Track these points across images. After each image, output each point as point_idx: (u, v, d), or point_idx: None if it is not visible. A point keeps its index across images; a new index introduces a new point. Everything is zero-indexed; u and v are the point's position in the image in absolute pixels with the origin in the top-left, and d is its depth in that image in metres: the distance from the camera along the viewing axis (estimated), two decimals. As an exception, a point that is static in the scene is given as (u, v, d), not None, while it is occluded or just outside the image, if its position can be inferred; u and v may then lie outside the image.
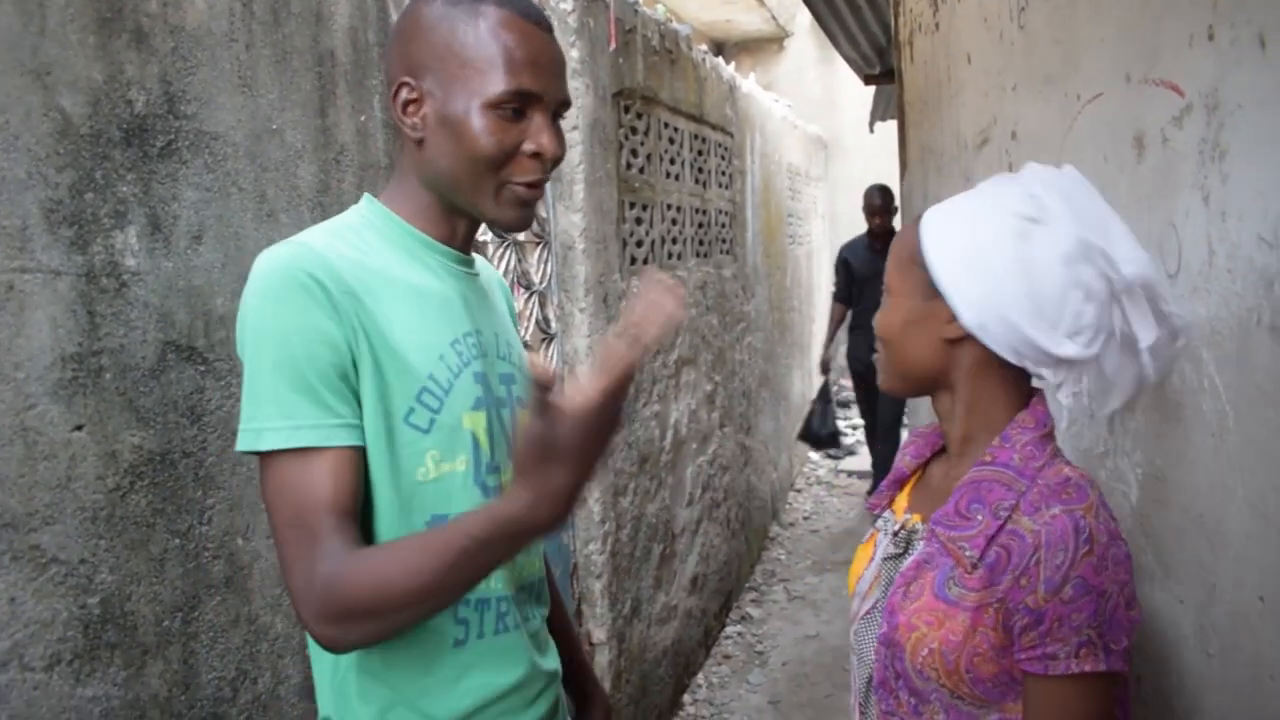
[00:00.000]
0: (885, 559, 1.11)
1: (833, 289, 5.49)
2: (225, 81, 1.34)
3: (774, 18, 8.31)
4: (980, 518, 0.97)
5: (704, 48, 3.81)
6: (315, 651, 1.03)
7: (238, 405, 1.36)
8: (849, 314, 5.37)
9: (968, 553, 0.96)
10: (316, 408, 0.92)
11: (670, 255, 3.30)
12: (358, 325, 0.95)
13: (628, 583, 2.82)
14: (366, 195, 1.09)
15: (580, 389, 0.82)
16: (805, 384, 6.38)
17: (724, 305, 3.99)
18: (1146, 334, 1.00)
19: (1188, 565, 1.12)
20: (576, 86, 2.52)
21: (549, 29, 1.05)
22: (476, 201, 1.04)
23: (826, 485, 6.26)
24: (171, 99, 1.25)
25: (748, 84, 4.63)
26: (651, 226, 3.10)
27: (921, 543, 1.05)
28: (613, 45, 2.72)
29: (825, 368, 5.45)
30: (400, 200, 1.07)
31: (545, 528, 0.86)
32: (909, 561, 1.06)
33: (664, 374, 3.18)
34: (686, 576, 3.46)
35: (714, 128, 3.87)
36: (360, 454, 0.95)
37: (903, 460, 1.18)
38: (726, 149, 4.09)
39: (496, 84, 0.99)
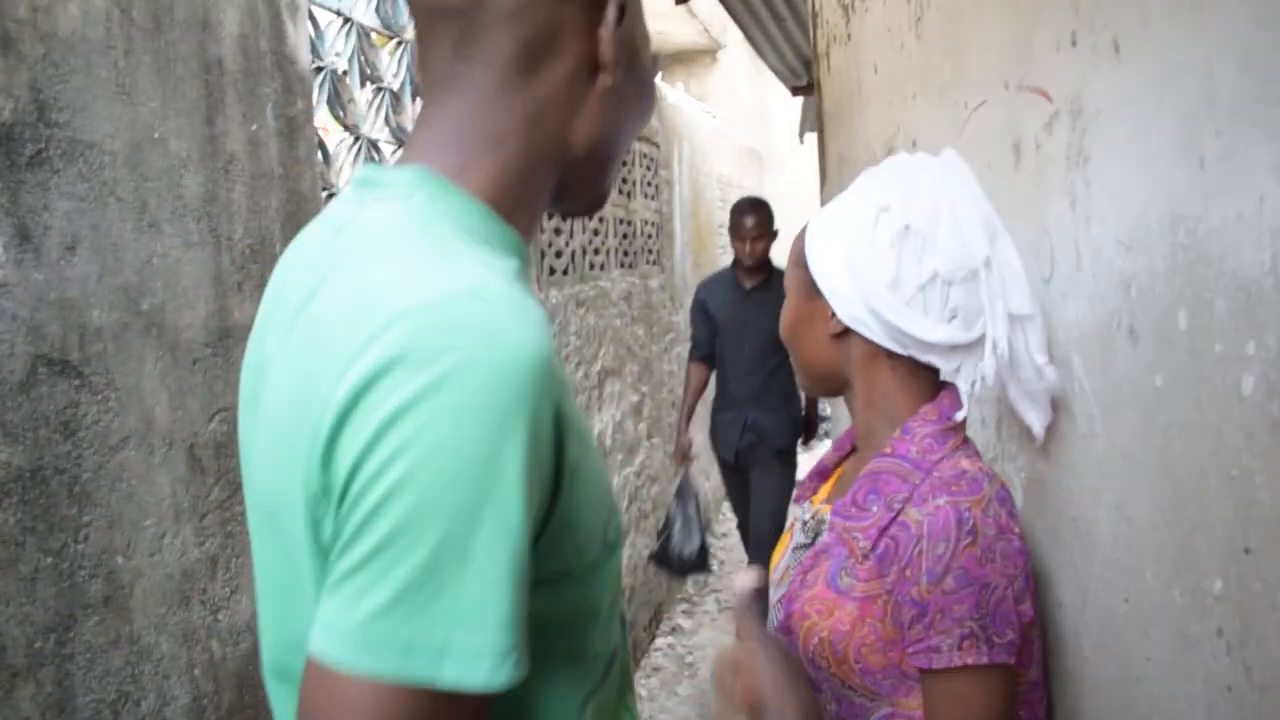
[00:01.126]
0: (795, 548, 1.12)
1: (690, 343, 3.78)
2: (101, 89, 1.30)
3: (707, 30, 8.37)
4: (875, 509, 0.98)
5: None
6: None
7: (115, 420, 1.33)
8: (711, 379, 3.79)
9: (861, 543, 0.97)
10: (518, 619, 0.55)
11: (592, 266, 3.30)
12: (559, 450, 0.60)
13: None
14: (426, 172, 0.66)
15: None
16: (739, 394, 6.42)
17: (651, 316, 3.99)
18: (997, 326, 1.01)
19: (1064, 569, 1.13)
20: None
21: None
22: (608, 178, 0.76)
23: (761, 494, 6.31)
24: (42, 107, 1.21)
25: (675, 95, 4.66)
26: (572, 237, 3.10)
27: (826, 533, 1.06)
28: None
29: (683, 454, 3.67)
30: (493, 185, 0.67)
31: None
32: (809, 551, 1.07)
33: (586, 385, 3.17)
34: (614, 588, 3.45)
35: (639, 138, 3.88)
36: None
37: (828, 454, 1.20)
38: (652, 160, 4.10)
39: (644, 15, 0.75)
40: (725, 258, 5.97)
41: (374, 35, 2.13)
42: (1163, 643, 0.89)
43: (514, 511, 0.54)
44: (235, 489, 1.55)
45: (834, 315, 1.05)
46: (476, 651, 0.52)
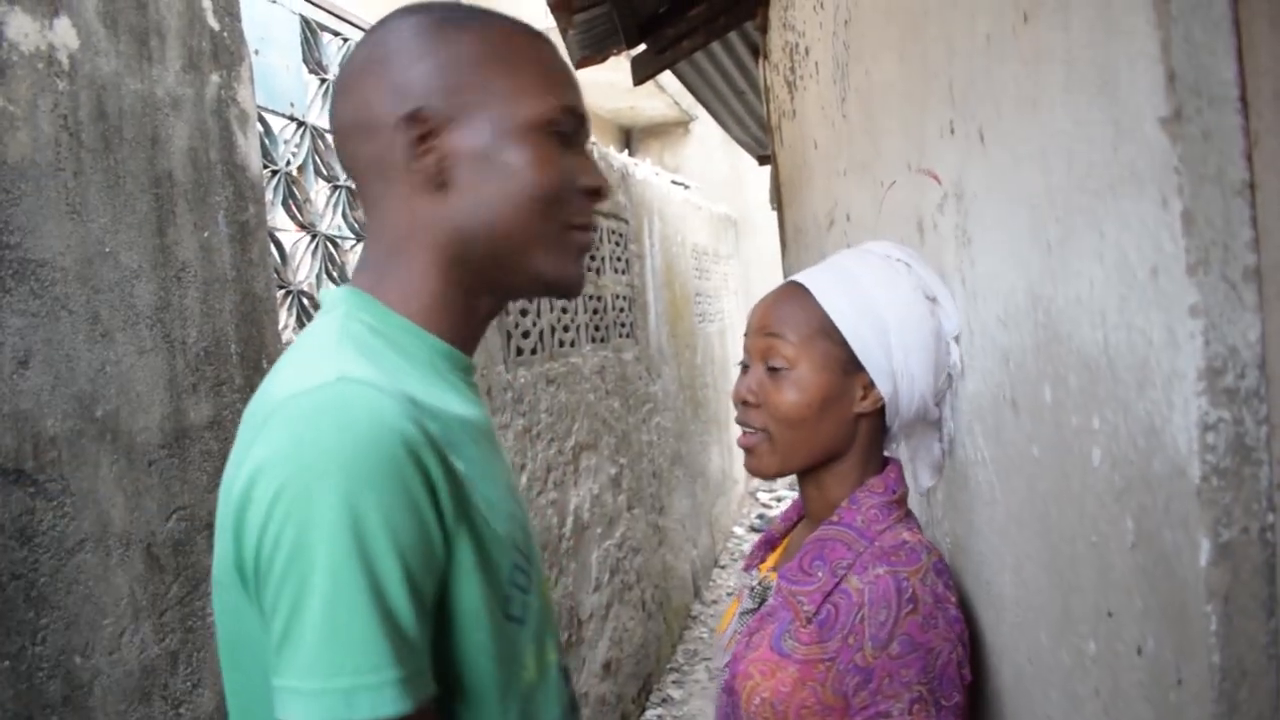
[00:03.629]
0: (741, 613, 1.15)
1: None
2: (52, 209, 1.37)
3: (677, 103, 8.58)
4: (820, 574, 1.03)
5: (593, 140, 3.93)
6: None
7: (71, 524, 1.37)
8: None
9: (805, 607, 1.01)
10: (421, 649, 0.65)
11: (562, 343, 3.36)
12: (455, 502, 0.69)
13: (528, 673, 2.80)
14: (352, 291, 0.80)
15: None
16: (725, 459, 6.45)
17: (626, 388, 4.05)
18: (947, 404, 1.16)
19: (983, 632, 1.17)
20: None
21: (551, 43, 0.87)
22: (530, 259, 0.80)
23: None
24: (-9, 229, 1.27)
25: (643, 170, 4.78)
26: (540, 316, 3.16)
27: (772, 598, 1.10)
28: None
29: None
30: (401, 292, 0.79)
31: None
32: (757, 614, 1.11)
33: (560, 461, 3.21)
34: (597, 662, 3.44)
35: (606, 215, 3.98)
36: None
37: (774, 524, 1.24)
38: (621, 235, 4.20)
39: (541, 100, 0.80)
40: (704, 326, 6.05)
41: (328, 136, 2.21)
42: (1058, 702, 0.93)
43: (386, 567, 0.63)
44: (195, 585, 1.58)
45: (872, 393, 1.07)
46: (376, 685, 0.62)
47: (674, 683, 4.27)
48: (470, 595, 0.70)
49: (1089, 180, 0.75)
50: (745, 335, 1.17)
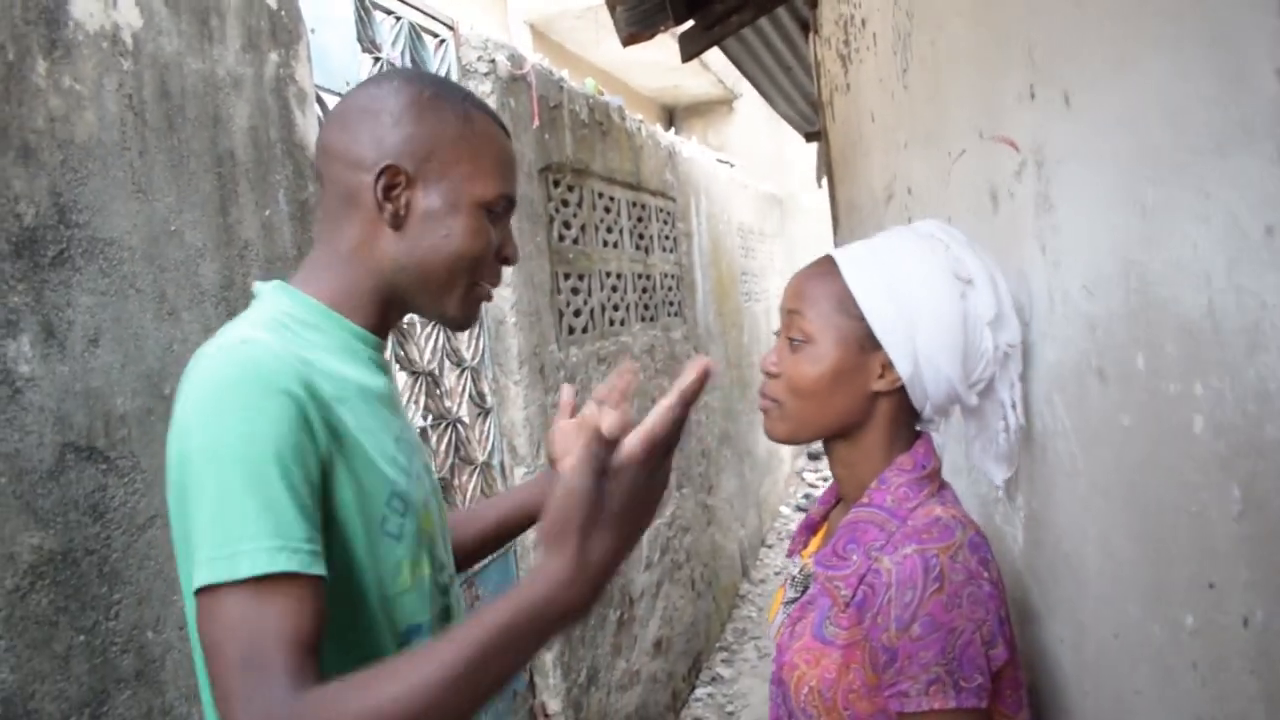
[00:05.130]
0: (786, 603, 1.14)
1: None
2: (119, 189, 1.38)
3: (721, 81, 8.51)
4: (855, 558, 1.01)
5: (639, 116, 3.91)
6: None
7: (141, 500, 1.39)
8: None
9: (842, 592, 1.00)
10: (300, 528, 0.80)
11: (612, 322, 3.35)
12: (330, 434, 0.88)
13: (582, 651, 2.81)
14: (279, 284, 1.01)
15: (627, 445, 0.72)
16: (772, 438, 6.41)
17: (675, 367, 4.04)
18: (1005, 391, 1.10)
19: (1062, 605, 1.14)
20: (501, 164, 2.58)
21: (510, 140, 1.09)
22: (441, 298, 1.01)
23: (799, 538, 6.27)
24: (62, 209, 1.29)
25: (689, 148, 4.74)
26: (590, 295, 3.16)
27: (814, 585, 1.08)
28: (536, 123, 2.80)
29: None
30: (326, 286, 1.00)
31: (584, 608, 0.75)
32: (799, 603, 1.09)
33: (611, 439, 3.20)
34: (649, 640, 3.45)
35: (654, 194, 3.96)
36: (324, 585, 0.82)
37: (813, 508, 1.22)
38: (669, 214, 4.17)
39: (490, 186, 1.01)
40: (750, 305, 6.01)
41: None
42: (1149, 676, 0.90)
43: (261, 455, 0.81)
44: (260, 561, 1.60)
45: (886, 372, 1.05)
46: (255, 550, 0.78)
47: (723, 661, 4.27)
48: (346, 505, 0.90)
49: (1192, 139, 0.72)
50: (780, 306, 1.16)
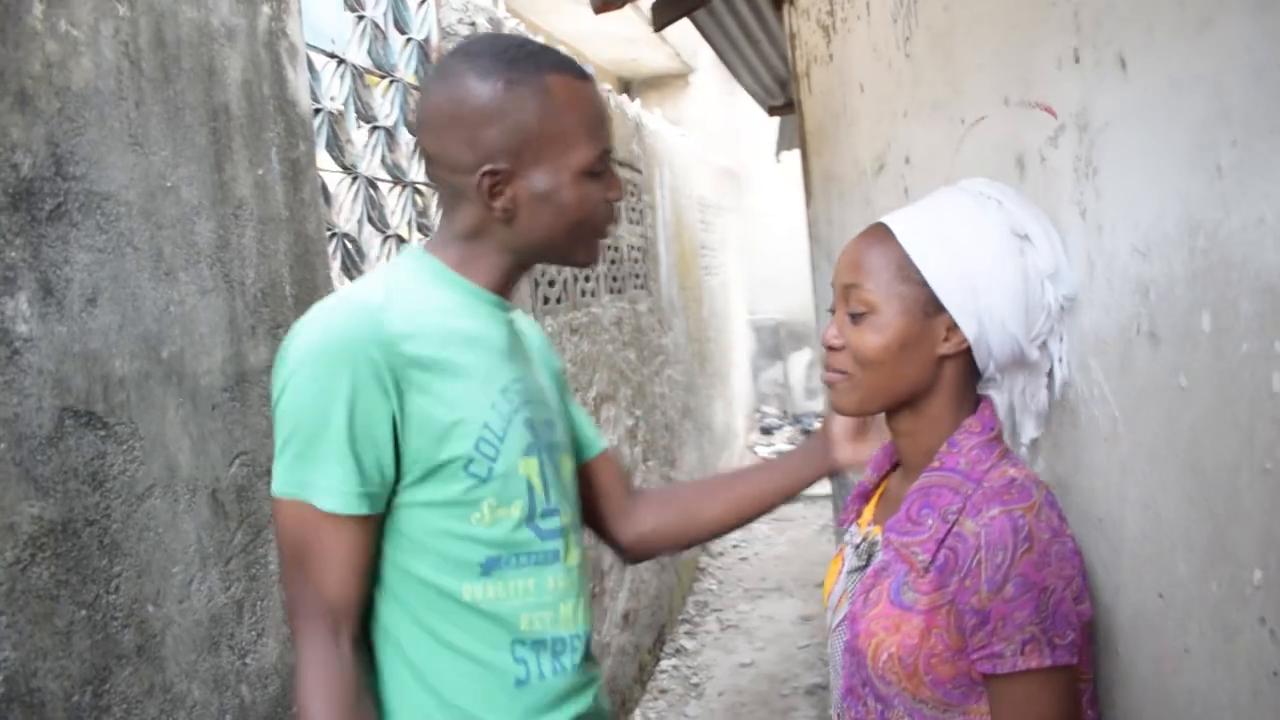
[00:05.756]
0: (849, 572, 1.14)
1: None
2: (115, 140, 1.31)
3: (678, 54, 8.46)
4: (930, 522, 1.00)
5: (608, 86, 3.86)
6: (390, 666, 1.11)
7: (140, 469, 1.33)
8: None
9: (919, 557, 0.99)
10: (352, 478, 1.01)
11: (583, 293, 3.32)
12: (406, 389, 1.02)
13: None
14: (414, 248, 1.16)
15: None
16: (727, 414, 6.45)
17: (641, 339, 4.02)
18: (1055, 345, 1.12)
19: (1093, 569, 1.15)
20: (481, 130, 2.53)
21: (594, 80, 1.14)
22: (570, 254, 1.13)
23: (755, 512, 6.32)
24: (59, 160, 1.22)
25: (655, 121, 4.71)
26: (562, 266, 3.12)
27: (880, 553, 1.08)
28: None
29: None
30: (459, 257, 1.12)
31: None
32: (868, 571, 1.09)
33: (585, 411, 3.18)
34: (618, 613, 3.45)
35: (621, 165, 3.92)
36: (379, 522, 1.06)
37: (865, 476, 1.21)
38: (635, 185, 4.14)
39: (586, 153, 1.07)
40: (708, 279, 6.01)
41: (366, 76, 2.15)
42: (1201, 634, 0.91)
43: (333, 411, 1.00)
44: (258, 532, 1.55)
45: (951, 335, 1.04)
46: (323, 490, 1.01)
47: (686, 633, 4.30)
48: (421, 446, 1.03)
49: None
50: (833, 279, 1.15)
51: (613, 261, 3.72)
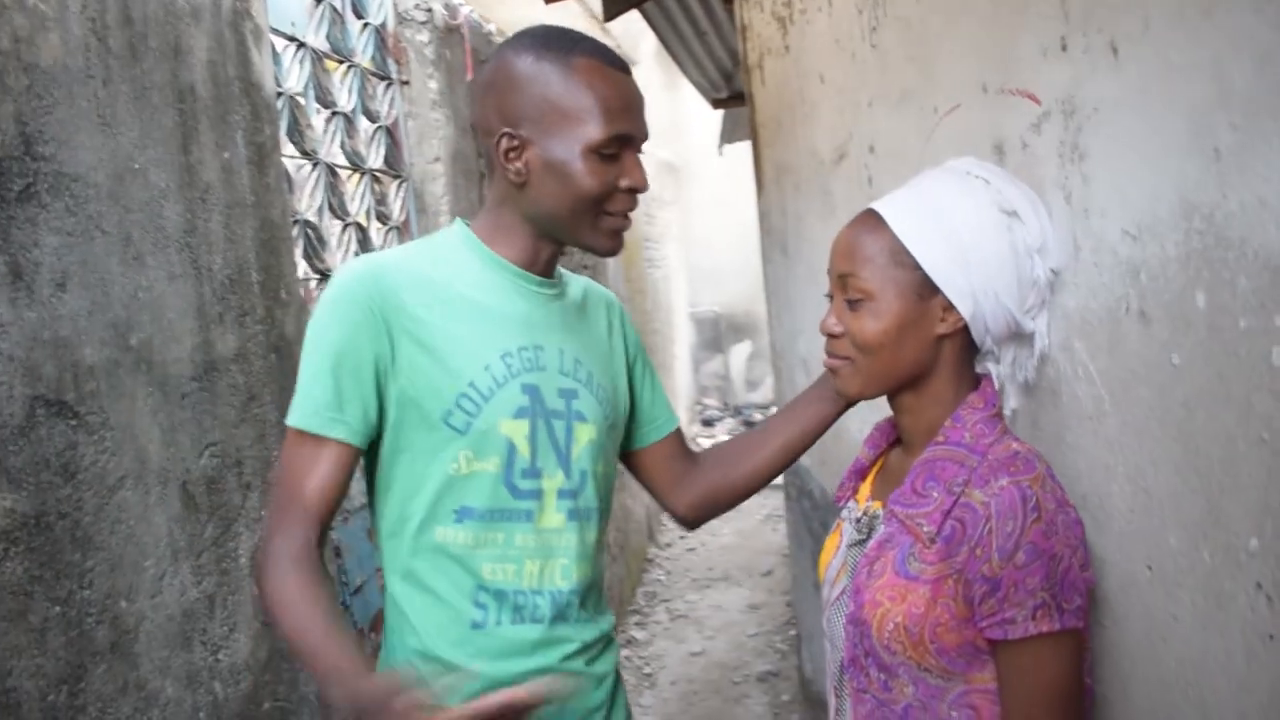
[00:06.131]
0: (850, 545, 1.15)
1: None
2: (84, 120, 1.27)
3: (619, 46, 8.45)
4: (935, 495, 1.02)
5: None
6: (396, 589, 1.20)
7: (111, 460, 1.29)
8: None
9: (925, 528, 1.01)
10: (330, 403, 1.10)
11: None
12: (398, 336, 1.11)
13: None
14: (460, 220, 1.24)
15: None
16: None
17: (592, 331, 4.02)
18: (1042, 318, 1.15)
19: (1077, 544, 1.19)
20: (436, 118, 2.49)
21: (629, 72, 1.19)
22: (577, 233, 1.16)
23: (699, 503, 6.37)
24: (28, 139, 1.17)
25: (599, 112, 4.69)
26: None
27: (882, 526, 1.09)
28: (470, 76, 2.71)
29: None
30: (488, 228, 1.20)
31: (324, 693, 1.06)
32: (871, 543, 1.10)
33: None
34: (574, 604, 3.44)
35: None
36: (354, 454, 1.13)
37: (862, 452, 1.23)
38: (584, 176, 4.13)
39: (596, 131, 1.11)
40: (651, 271, 6.02)
41: (325, 61, 2.11)
42: (1192, 603, 0.95)
43: (327, 343, 1.11)
44: (228, 525, 1.51)
45: (947, 315, 1.06)
46: (303, 410, 1.11)
47: (636, 624, 4.31)
48: (406, 393, 1.12)
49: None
50: (828, 268, 1.17)
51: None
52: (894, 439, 1.22)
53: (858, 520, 1.15)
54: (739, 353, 8.43)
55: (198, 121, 1.51)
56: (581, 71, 1.12)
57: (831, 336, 1.13)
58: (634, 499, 4.77)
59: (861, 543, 1.12)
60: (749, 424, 7.80)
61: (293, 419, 1.11)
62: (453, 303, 1.15)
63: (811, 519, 3.14)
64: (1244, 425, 0.84)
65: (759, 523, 5.62)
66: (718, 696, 3.57)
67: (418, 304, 1.13)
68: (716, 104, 5.37)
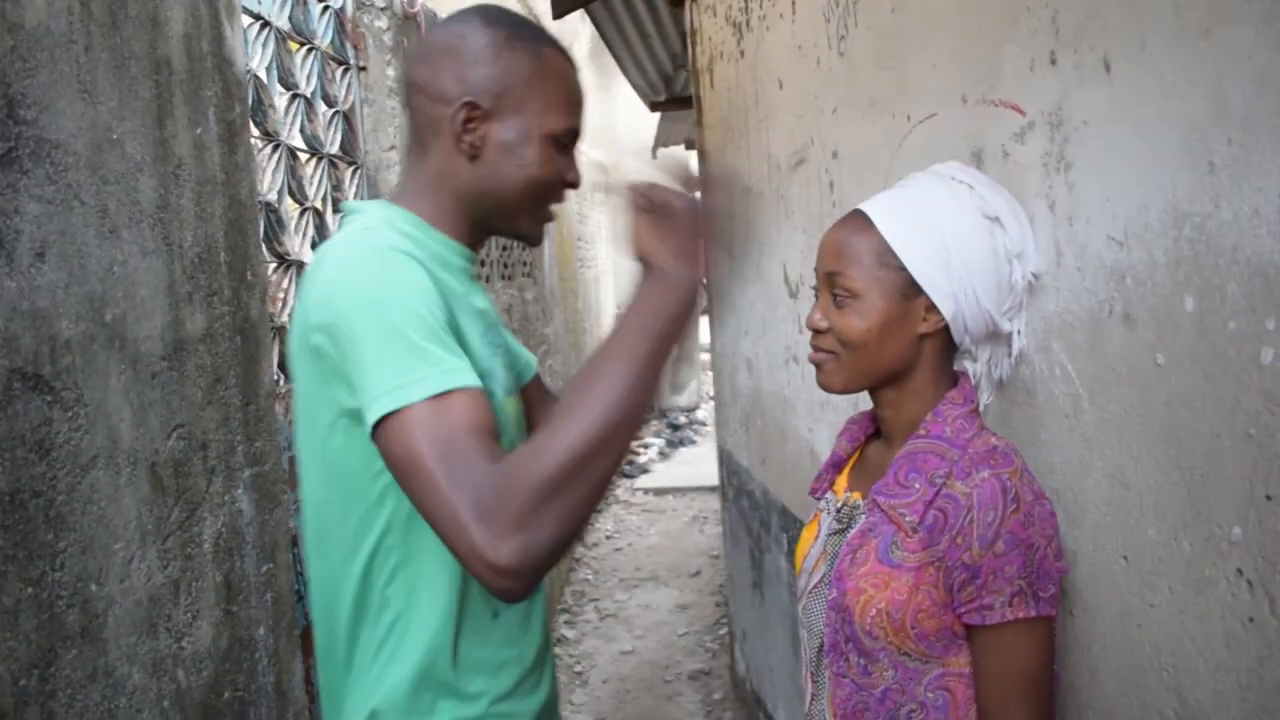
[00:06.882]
0: (829, 535, 1.17)
1: None
2: (65, 86, 1.22)
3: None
4: (917, 486, 1.06)
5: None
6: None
7: (85, 438, 1.24)
8: None
9: (908, 518, 1.04)
10: (456, 355, 0.95)
11: (479, 277, 3.28)
12: (447, 308, 1.01)
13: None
14: (384, 201, 1.16)
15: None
16: (598, 405, 6.48)
17: (528, 328, 4.00)
18: (1019, 319, 1.19)
19: (1048, 537, 1.24)
20: (393, 106, 2.47)
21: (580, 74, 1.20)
22: (516, 218, 1.14)
23: (624, 504, 6.38)
24: (11, 102, 1.13)
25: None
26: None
27: (863, 516, 1.12)
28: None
29: None
30: (421, 204, 1.13)
31: (692, 295, 0.96)
32: (853, 533, 1.13)
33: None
34: (510, 601, 3.42)
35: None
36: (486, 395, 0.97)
37: (839, 446, 1.26)
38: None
39: (560, 120, 1.11)
40: (584, 271, 6.03)
41: (288, 42, 2.07)
42: (1170, 590, 1.00)
43: (411, 303, 0.95)
44: (193, 509, 1.48)
45: (929, 315, 1.11)
46: (415, 381, 0.91)
47: (566, 623, 4.30)
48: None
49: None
50: (815, 265, 1.20)
51: (504, 247, 3.69)
52: (870, 433, 1.26)
53: (838, 510, 1.18)
54: (663, 355, 8.47)
55: (172, 94, 1.47)
56: (550, 62, 1.12)
57: (817, 331, 1.16)
58: (563, 497, 4.77)
59: (841, 532, 1.16)
60: (674, 426, 7.86)
61: (422, 390, 0.89)
62: (452, 296, 1.08)
63: (751, 518, 3.19)
64: (1229, 422, 0.90)
65: (686, 524, 5.68)
66: (650, 694, 3.60)
67: (439, 279, 1.05)
68: (655, 107, 5.41)
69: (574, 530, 0.89)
